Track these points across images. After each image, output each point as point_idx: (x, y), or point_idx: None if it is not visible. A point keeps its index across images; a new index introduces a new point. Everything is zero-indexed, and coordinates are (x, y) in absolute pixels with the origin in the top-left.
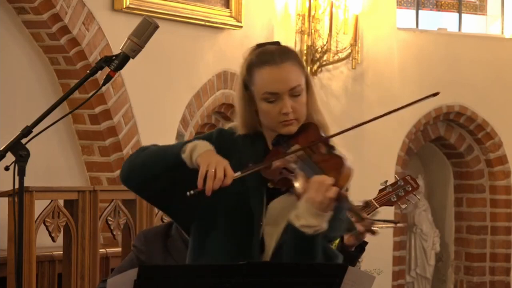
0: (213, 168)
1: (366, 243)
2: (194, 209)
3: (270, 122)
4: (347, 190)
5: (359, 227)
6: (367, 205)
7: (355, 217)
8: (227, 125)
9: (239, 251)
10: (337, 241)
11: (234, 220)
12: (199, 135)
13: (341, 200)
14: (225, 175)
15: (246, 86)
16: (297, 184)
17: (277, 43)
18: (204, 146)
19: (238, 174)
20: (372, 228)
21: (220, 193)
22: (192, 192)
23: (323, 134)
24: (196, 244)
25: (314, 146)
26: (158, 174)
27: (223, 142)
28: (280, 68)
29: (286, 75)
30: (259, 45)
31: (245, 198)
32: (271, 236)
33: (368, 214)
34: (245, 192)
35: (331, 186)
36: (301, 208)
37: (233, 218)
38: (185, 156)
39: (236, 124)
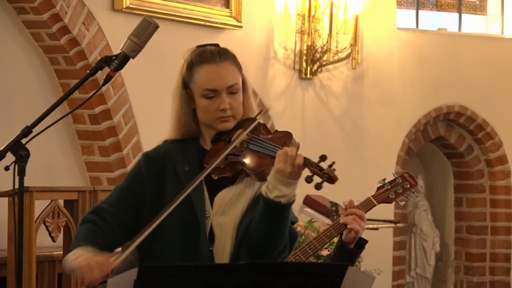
0: (87, 269)
1: (365, 241)
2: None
3: (208, 118)
4: None
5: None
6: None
7: (316, 170)
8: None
9: (185, 244)
10: (336, 238)
11: (178, 217)
12: (130, 171)
13: (306, 163)
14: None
15: (186, 84)
16: (248, 162)
17: (217, 44)
18: (73, 255)
19: (114, 257)
20: (331, 176)
21: (159, 196)
22: None
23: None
24: (144, 250)
25: (255, 130)
26: None
27: (153, 166)
28: (219, 66)
29: (224, 73)
30: (199, 46)
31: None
32: (221, 226)
33: (366, 212)
34: (183, 188)
35: (296, 154)
36: (273, 181)
37: (177, 215)
38: (63, 265)
39: (161, 143)
